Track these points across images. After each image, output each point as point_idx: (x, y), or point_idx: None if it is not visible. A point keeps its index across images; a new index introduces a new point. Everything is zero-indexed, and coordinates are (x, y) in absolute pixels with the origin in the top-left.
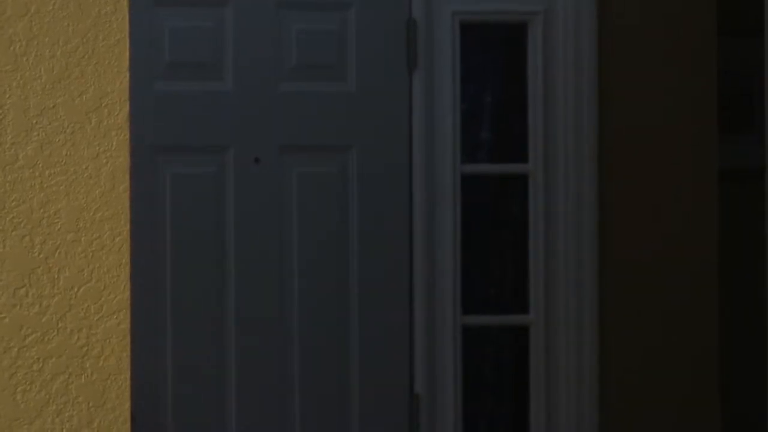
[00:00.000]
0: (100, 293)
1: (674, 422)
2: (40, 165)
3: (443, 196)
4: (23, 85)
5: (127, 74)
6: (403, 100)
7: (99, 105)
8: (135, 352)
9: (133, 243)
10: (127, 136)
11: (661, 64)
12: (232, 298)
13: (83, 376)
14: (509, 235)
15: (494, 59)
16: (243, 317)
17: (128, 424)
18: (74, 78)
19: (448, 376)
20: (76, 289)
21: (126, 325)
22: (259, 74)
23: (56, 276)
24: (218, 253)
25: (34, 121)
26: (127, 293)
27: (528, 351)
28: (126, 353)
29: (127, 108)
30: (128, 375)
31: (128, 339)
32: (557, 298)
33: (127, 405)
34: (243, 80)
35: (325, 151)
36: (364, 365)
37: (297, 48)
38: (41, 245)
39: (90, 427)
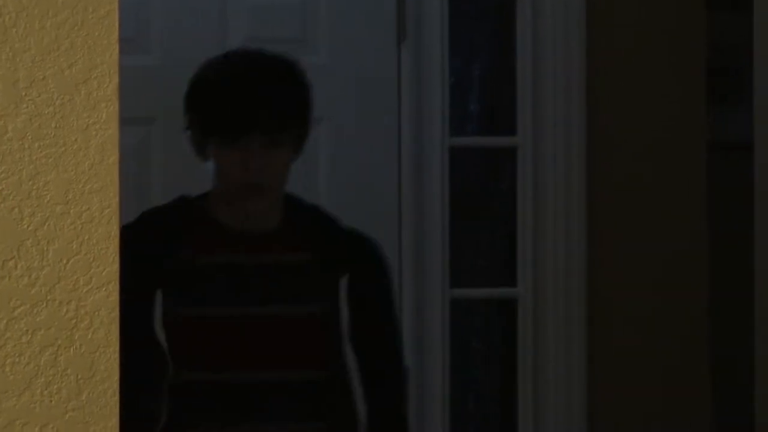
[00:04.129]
0: (90, 265)
1: (663, 396)
2: (30, 137)
3: (431, 169)
4: (12, 57)
5: (117, 46)
6: (392, 71)
7: (88, 77)
8: None
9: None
10: (117, 109)
11: (650, 37)
12: None
13: (72, 349)
14: (498, 208)
15: (483, 31)
16: None
17: (117, 397)
18: (64, 50)
19: (436, 349)
20: (65, 262)
21: (115, 298)
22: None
23: (45, 248)
24: None
25: (24, 93)
26: (116, 265)
27: (516, 324)
28: (115, 325)
29: (116, 80)
30: (117, 347)
31: (117, 311)
32: (546, 271)
33: (116, 377)
34: (172, 53)
35: None
36: None
37: (253, 21)
38: (30, 217)
39: (79, 399)
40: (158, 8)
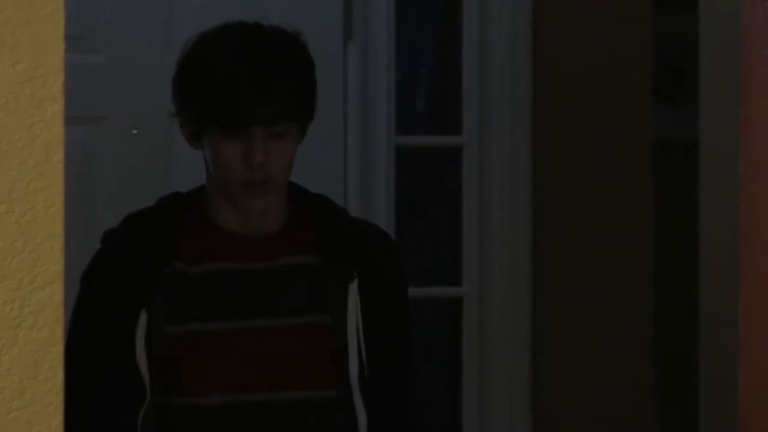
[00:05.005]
0: (34, 264)
1: (609, 393)
2: None
3: (378, 167)
4: None
5: (63, 44)
6: (338, 71)
7: (33, 75)
8: None
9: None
10: (62, 107)
11: (597, 35)
12: None
13: (16, 348)
14: (445, 207)
15: (430, 30)
16: None
17: (61, 396)
18: (8, 48)
19: None
20: (9, 260)
21: (59, 297)
22: (144, 45)
23: None
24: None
25: None
26: (61, 265)
27: (461, 323)
28: (59, 325)
29: (62, 78)
30: (61, 347)
31: (62, 311)
32: (492, 271)
33: (60, 376)
34: (120, 52)
35: None
36: None
37: (200, 18)
38: None
39: (22, 398)
40: (104, 6)
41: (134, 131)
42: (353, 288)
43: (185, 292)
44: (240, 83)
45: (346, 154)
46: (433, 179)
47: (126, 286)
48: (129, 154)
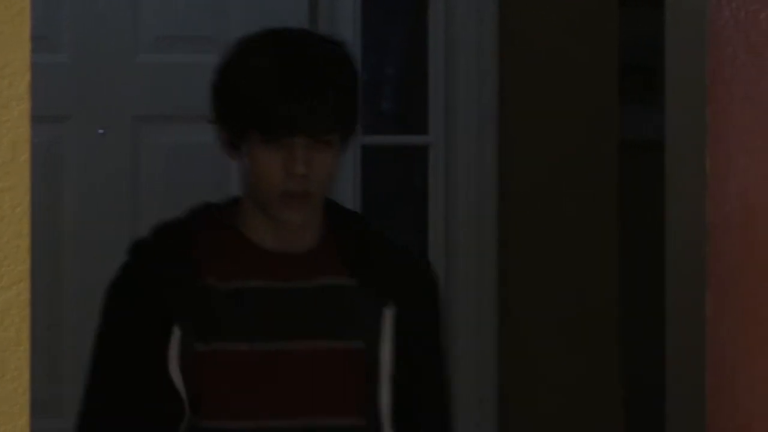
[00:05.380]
0: (0, 264)
1: (576, 400)
2: None
3: (344, 167)
4: None
5: (29, 44)
6: None
7: (0, 75)
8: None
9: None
10: (29, 107)
11: (563, 35)
12: (70, 281)
13: None
14: (411, 206)
15: (397, 31)
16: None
17: (27, 396)
18: None
19: None
20: None
21: (26, 296)
22: (109, 45)
23: None
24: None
25: None
26: (27, 264)
27: None
28: (26, 324)
29: (28, 78)
30: (28, 346)
31: (28, 310)
32: (457, 269)
33: (27, 376)
34: (85, 51)
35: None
36: None
37: (164, 19)
38: None
39: None
40: (71, 6)
41: (100, 131)
42: (388, 314)
43: (213, 310)
44: (286, 89)
45: None
46: (400, 179)
47: (155, 302)
48: (94, 153)
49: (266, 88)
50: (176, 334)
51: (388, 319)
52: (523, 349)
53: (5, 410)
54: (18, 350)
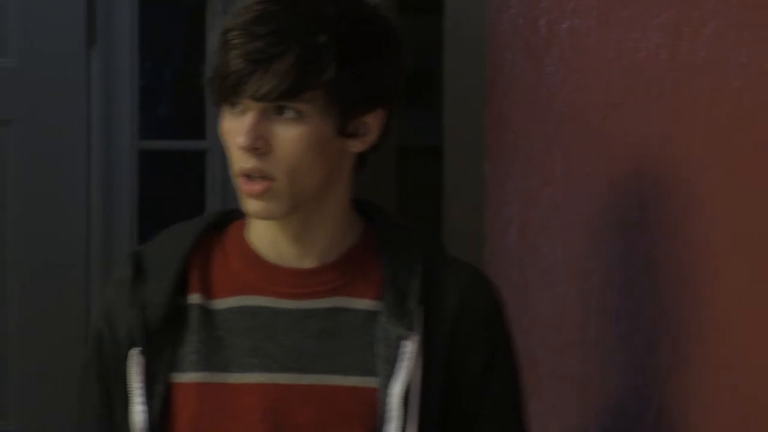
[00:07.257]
0: None
1: None
2: None
3: (121, 172)
4: None
5: None
6: (81, 75)
7: None
8: None
9: None
10: None
11: None
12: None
13: None
14: (188, 211)
15: (174, 36)
16: None
17: None
18: None
19: None
20: None
21: None
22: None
23: None
24: None
25: None
26: None
27: None
28: None
29: None
30: None
31: None
32: None
33: None
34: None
35: None
36: None
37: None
38: None
39: None
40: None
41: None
42: (411, 346)
43: (200, 333)
44: (238, 41)
45: (89, 158)
46: (177, 183)
47: (126, 322)
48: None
49: (222, 43)
50: (139, 360)
51: (410, 354)
52: None
53: None
54: None
